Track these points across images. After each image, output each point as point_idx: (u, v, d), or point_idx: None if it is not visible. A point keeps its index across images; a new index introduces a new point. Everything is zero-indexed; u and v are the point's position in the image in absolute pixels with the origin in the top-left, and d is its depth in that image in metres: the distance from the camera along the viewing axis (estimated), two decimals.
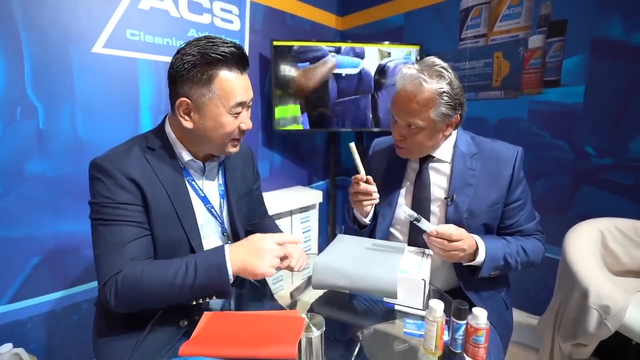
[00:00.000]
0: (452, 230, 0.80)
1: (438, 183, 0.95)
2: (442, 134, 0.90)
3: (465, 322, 0.59)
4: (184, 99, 0.74)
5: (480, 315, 0.58)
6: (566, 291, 1.06)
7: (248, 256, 0.70)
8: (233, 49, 0.75)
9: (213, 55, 0.72)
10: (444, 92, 0.83)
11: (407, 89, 0.84)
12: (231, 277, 0.68)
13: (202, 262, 0.69)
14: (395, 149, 0.96)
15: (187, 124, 0.76)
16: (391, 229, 1.01)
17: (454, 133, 0.96)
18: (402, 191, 1.00)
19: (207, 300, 0.71)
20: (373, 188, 0.89)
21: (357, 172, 0.90)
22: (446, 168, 0.95)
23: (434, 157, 0.95)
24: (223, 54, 0.73)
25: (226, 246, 0.71)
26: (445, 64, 0.86)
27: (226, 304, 0.83)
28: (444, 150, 0.95)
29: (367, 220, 1.02)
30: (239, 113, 0.78)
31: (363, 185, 0.89)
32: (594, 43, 1.49)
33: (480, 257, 0.84)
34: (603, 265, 1.11)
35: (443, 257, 0.83)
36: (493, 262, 0.85)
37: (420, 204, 0.95)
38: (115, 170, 0.73)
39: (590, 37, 1.50)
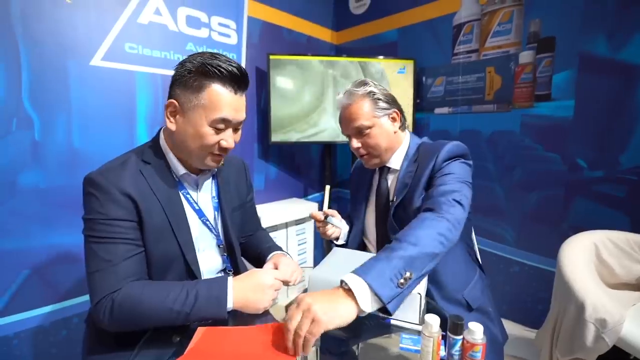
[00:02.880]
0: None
1: (392, 191, 1.01)
2: (394, 132, 0.98)
3: (461, 337, 0.59)
4: (173, 100, 0.76)
5: (476, 331, 0.57)
6: (562, 304, 1.05)
7: (250, 293, 0.72)
8: (233, 68, 0.75)
9: (210, 67, 0.73)
10: (371, 91, 0.96)
11: (343, 103, 0.99)
12: (229, 309, 0.70)
13: (203, 292, 0.69)
14: (363, 162, 1.04)
15: (171, 125, 0.77)
16: (364, 239, 1.08)
17: (406, 140, 1.03)
18: (370, 204, 1.08)
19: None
20: (325, 228, 1.03)
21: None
22: (396, 176, 1.02)
23: (390, 168, 1.02)
24: (220, 68, 0.73)
25: (229, 279, 0.72)
26: (368, 79, 1.01)
27: None
28: (396, 160, 1.01)
29: (340, 242, 1.10)
30: (220, 129, 0.77)
31: (321, 228, 1.04)
32: (582, 59, 1.53)
33: (356, 283, 0.62)
34: (598, 278, 1.11)
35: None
36: (375, 269, 0.64)
37: (383, 214, 1.01)
38: (110, 185, 0.72)
39: (577, 53, 1.54)
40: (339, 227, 1.04)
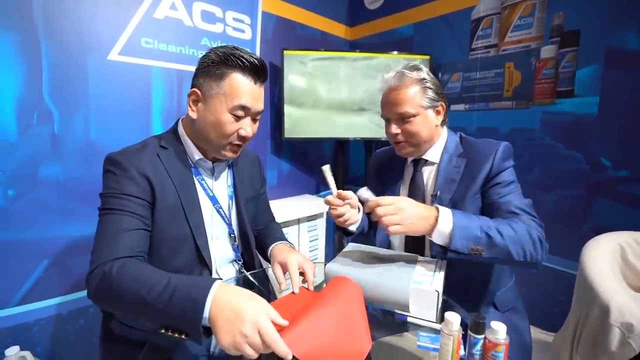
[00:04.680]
0: (379, 198, 0.78)
1: (429, 184, 0.98)
2: (435, 124, 0.95)
3: (483, 336, 0.57)
4: (196, 89, 0.79)
5: (499, 330, 0.55)
6: (585, 307, 1.01)
7: (226, 316, 0.53)
8: (254, 59, 0.78)
9: (232, 58, 0.76)
10: (424, 78, 0.92)
11: (391, 85, 0.93)
12: (205, 321, 0.54)
13: (181, 289, 0.56)
14: (396, 149, 0.99)
15: (193, 114, 0.80)
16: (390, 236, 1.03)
17: (444, 134, 0.99)
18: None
19: (177, 335, 0.58)
20: (343, 209, 0.89)
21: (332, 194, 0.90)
22: (435, 169, 0.98)
23: (426, 160, 0.98)
24: (242, 59, 0.77)
25: (217, 283, 0.57)
26: (421, 65, 0.95)
27: None
28: (434, 152, 0.98)
29: (352, 229, 1.01)
30: (240, 117, 0.79)
31: (338, 209, 0.89)
32: (608, 53, 1.47)
33: (445, 226, 0.77)
34: (623, 281, 1.06)
35: (387, 227, 0.75)
36: (466, 231, 0.76)
37: None
38: (128, 164, 0.75)
39: (604, 47, 1.48)
40: (357, 206, 0.92)
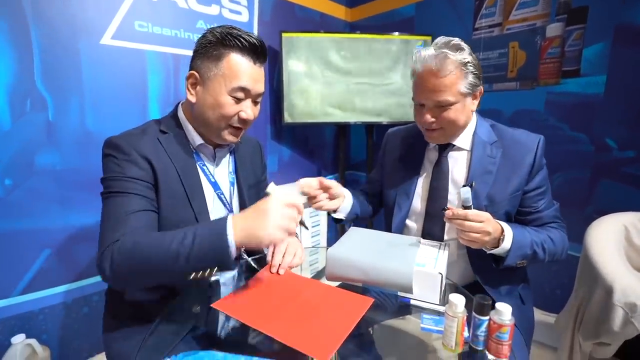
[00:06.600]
0: (468, 211, 0.75)
1: (456, 172, 0.93)
2: (471, 110, 0.88)
3: (487, 317, 0.56)
4: (193, 72, 0.77)
5: (504, 311, 0.55)
6: (588, 288, 1.01)
7: (253, 221, 0.62)
8: (252, 39, 0.76)
9: (230, 37, 0.74)
10: (468, 61, 0.81)
11: (431, 67, 0.81)
12: (232, 247, 0.61)
13: (202, 229, 0.63)
14: (425, 136, 0.92)
15: (191, 97, 0.78)
16: (406, 220, 0.99)
17: (473, 120, 0.94)
18: (420, 181, 0.98)
19: (206, 274, 0.64)
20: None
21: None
22: (465, 156, 0.93)
23: (454, 145, 0.93)
24: (240, 38, 0.74)
25: (229, 215, 0.66)
26: (459, 39, 0.85)
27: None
28: (464, 138, 0.92)
29: (339, 216, 1.02)
30: (240, 99, 0.77)
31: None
32: (617, 30, 1.42)
33: (507, 244, 0.80)
34: (627, 262, 1.06)
35: (465, 241, 0.77)
36: (520, 250, 0.81)
37: (438, 193, 0.93)
38: (129, 147, 0.74)
39: (613, 24, 1.43)
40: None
